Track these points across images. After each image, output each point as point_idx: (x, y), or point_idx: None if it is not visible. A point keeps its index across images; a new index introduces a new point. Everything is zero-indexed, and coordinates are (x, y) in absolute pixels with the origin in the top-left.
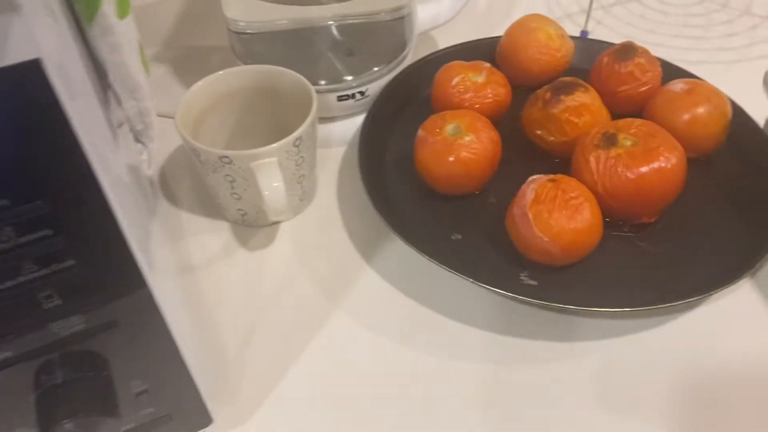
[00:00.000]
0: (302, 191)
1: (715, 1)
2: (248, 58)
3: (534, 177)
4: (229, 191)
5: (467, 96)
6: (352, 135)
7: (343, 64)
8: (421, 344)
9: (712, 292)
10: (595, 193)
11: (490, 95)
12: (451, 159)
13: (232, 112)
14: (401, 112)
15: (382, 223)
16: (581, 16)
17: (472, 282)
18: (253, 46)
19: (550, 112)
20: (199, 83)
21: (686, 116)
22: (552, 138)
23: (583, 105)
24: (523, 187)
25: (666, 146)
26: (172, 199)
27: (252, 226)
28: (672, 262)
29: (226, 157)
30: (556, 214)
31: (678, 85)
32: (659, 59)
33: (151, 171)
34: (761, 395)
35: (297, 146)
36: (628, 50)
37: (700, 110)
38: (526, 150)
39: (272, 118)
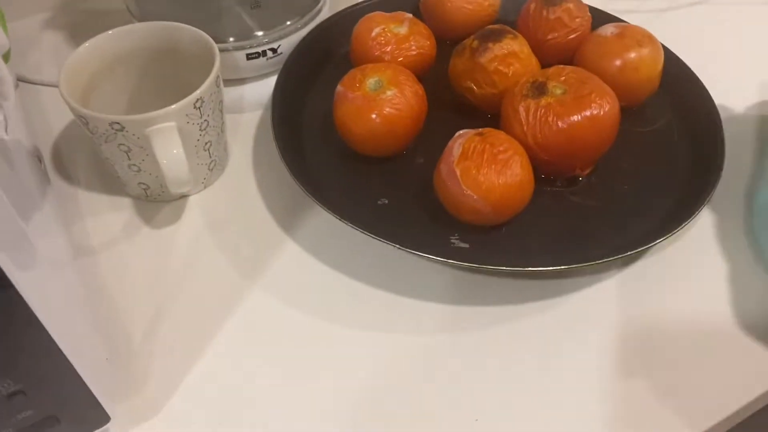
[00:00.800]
0: (211, 160)
1: None
2: (146, 19)
3: (461, 132)
4: (126, 163)
5: (389, 48)
6: (267, 98)
7: (252, 18)
8: (349, 319)
9: (648, 245)
10: (526, 145)
11: (413, 47)
12: (373, 116)
13: (130, 75)
14: (319, 70)
15: (300, 191)
16: None
17: (399, 248)
18: (148, 4)
19: (477, 62)
20: (86, 44)
21: (617, 62)
22: (481, 90)
23: (512, 53)
24: (450, 142)
25: (598, 93)
26: (68, 177)
27: (157, 201)
28: (607, 215)
29: (117, 123)
30: (485, 170)
31: (608, 30)
32: (588, 6)
33: (8, 136)
34: (695, 349)
35: (198, 108)
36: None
37: (632, 55)
38: (455, 106)
39: (175, 81)
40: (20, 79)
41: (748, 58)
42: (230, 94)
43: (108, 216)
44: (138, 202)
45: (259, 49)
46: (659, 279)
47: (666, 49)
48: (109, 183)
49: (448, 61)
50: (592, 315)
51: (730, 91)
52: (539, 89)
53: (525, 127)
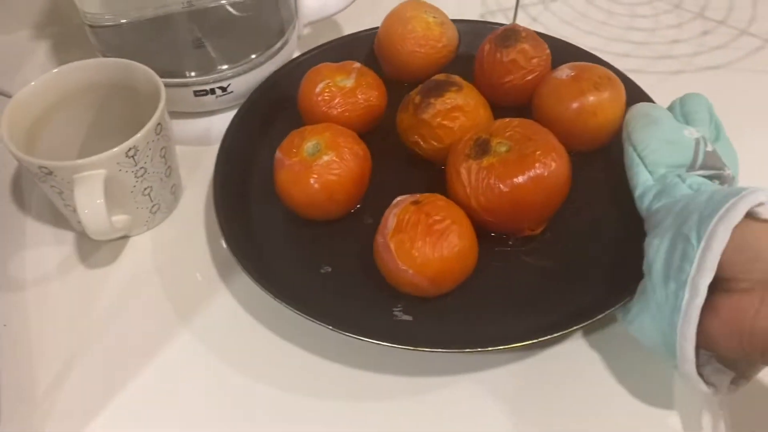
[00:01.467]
0: (153, 204)
1: (668, 1)
2: (107, 51)
3: (398, 199)
4: (62, 203)
5: (335, 103)
6: None
7: (200, 55)
8: (275, 378)
9: (600, 315)
10: (469, 208)
11: (361, 100)
12: (312, 182)
13: (86, 111)
14: (272, 121)
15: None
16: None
17: (333, 330)
18: (109, 38)
19: (421, 118)
20: (32, 83)
21: (573, 106)
22: (427, 145)
23: (456, 107)
24: (386, 212)
25: (543, 150)
26: (22, 204)
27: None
28: (563, 277)
29: (45, 167)
30: (419, 243)
31: (564, 72)
32: (553, 38)
33: None
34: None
35: (132, 157)
36: (509, 35)
37: (588, 99)
38: (407, 158)
39: (132, 118)
40: (2, 93)
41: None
42: (198, 125)
43: (49, 249)
44: (81, 237)
45: (207, 87)
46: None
47: (643, 92)
48: (58, 215)
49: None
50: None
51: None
52: (482, 148)
53: (468, 189)
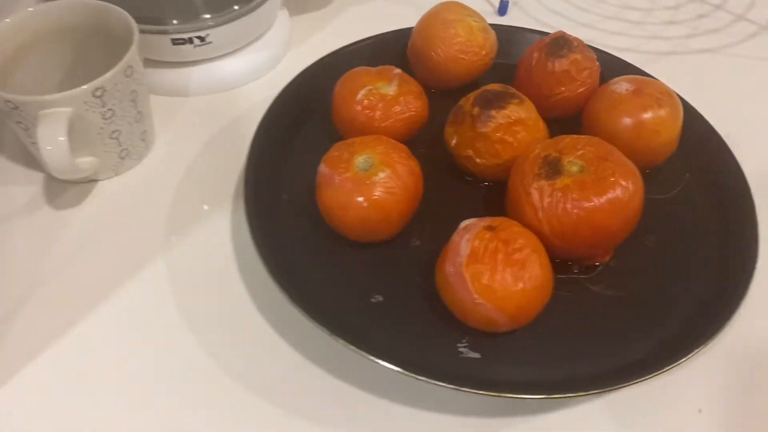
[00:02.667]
0: (121, 148)
1: None
2: None
3: (467, 223)
4: (29, 140)
5: (377, 113)
6: (215, 82)
7: (185, 3)
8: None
9: (695, 350)
10: (540, 233)
11: (404, 110)
12: (364, 201)
13: (61, 53)
14: (296, 130)
15: (276, 287)
16: None
17: (403, 373)
18: None
19: (480, 132)
20: (6, 20)
21: (634, 123)
22: (482, 160)
23: (518, 121)
24: (455, 236)
25: (621, 171)
26: None
27: (67, 180)
28: (637, 308)
29: (11, 101)
30: (500, 275)
31: (623, 85)
32: (593, 49)
33: None
34: None
35: (99, 97)
36: (561, 44)
37: (651, 115)
38: (450, 171)
39: (110, 63)
40: None
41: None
42: (175, 75)
43: (17, 188)
44: (50, 178)
45: (185, 36)
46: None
47: (684, 102)
48: (30, 155)
49: (439, 113)
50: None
51: (751, 149)
52: (553, 167)
53: (539, 213)
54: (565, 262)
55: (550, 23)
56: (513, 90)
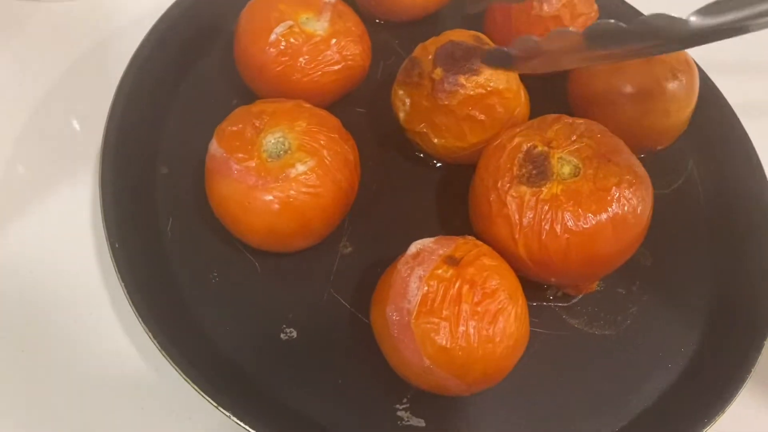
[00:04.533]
0: None
1: None
2: None
3: (419, 246)
4: None
5: (298, 63)
6: None
7: None
8: None
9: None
10: (513, 254)
11: (338, 58)
12: (274, 202)
13: None
14: (187, 70)
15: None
16: None
17: None
18: None
19: (440, 104)
20: None
21: (639, 97)
22: (441, 141)
23: (494, 92)
24: (402, 266)
25: (629, 179)
26: None
27: None
28: (625, 352)
29: None
30: (461, 337)
31: None
32: None
33: None
34: None
35: None
36: None
37: (663, 90)
38: (397, 144)
39: None
40: None
41: None
42: None
43: None
44: None
45: None
46: None
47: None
48: None
49: (385, 60)
50: None
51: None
52: (539, 168)
53: (516, 232)
54: (538, 285)
55: None
56: (488, 42)
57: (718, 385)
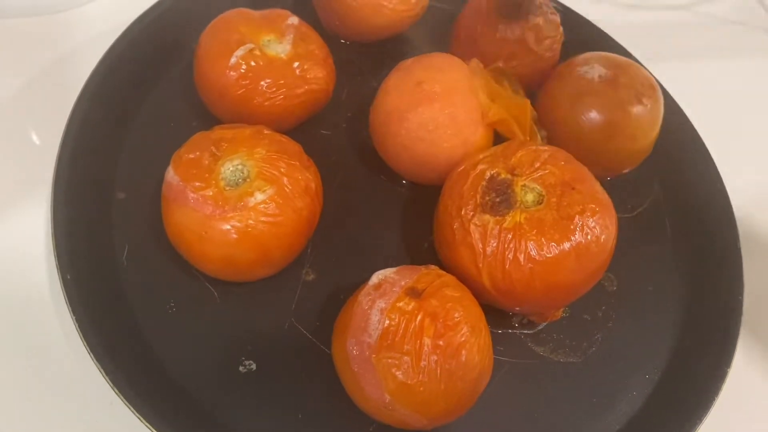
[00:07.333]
0: None
1: None
2: None
3: (381, 276)
4: None
5: (260, 86)
6: None
7: None
8: None
9: None
10: (476, 283)
11: (300, 83)
12: (232, 232)
13: None
14: (147, 92)
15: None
16: None
17: None
18: None
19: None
20: None
21: (605, 122)
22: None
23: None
24: (363, 298)
25: (592, 207)
26: None
27: None
28: (591, 379)
29: None
30: (422, 373)
31: (595, 69)
32: (559, 8)
33: None
34: None
35: None
36: (520, 1)
37: (626, 114)
38: (362, 163)
39: None
40: None
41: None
42: None
43: None
44: None
45: None
46: None
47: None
48: None
49: (350, 81)
50: None
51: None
52: (502, 196)
53: (479, 261)
54: (503, 312)
55: None
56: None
57: (684, 411)
